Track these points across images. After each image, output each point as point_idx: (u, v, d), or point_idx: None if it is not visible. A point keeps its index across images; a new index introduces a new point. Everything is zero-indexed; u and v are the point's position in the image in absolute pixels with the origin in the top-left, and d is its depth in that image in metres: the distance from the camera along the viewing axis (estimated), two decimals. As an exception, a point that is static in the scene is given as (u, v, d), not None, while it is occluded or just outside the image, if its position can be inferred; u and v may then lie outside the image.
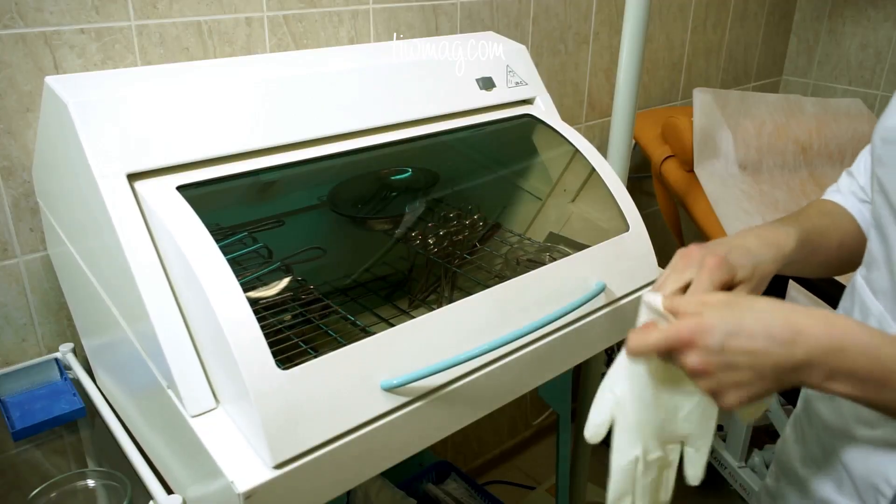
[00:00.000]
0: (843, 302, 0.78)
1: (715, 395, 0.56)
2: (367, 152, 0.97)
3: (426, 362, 0.77)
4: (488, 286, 0.87)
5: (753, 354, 0.54)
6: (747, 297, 0.60)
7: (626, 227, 1.01)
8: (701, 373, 0.55)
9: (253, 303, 0.70)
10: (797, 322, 0.54)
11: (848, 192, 0.81)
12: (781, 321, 0.54)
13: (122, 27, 0.99)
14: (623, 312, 0.99)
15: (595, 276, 0.95)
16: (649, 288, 0.68)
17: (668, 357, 0.58)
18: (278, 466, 0.67)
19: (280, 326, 0.88)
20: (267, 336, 0.69)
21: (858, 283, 0.74)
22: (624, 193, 1.04)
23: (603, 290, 0.93)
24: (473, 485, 1.49)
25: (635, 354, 0.59)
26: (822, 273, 0.81)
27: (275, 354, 0.69)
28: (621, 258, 0.99)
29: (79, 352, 1.05)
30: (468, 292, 1.11)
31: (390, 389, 0.75)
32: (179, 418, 0.73)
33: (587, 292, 0.91)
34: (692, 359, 0.55)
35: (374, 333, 0.76)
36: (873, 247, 0.71)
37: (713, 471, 1.71)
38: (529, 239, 1.16)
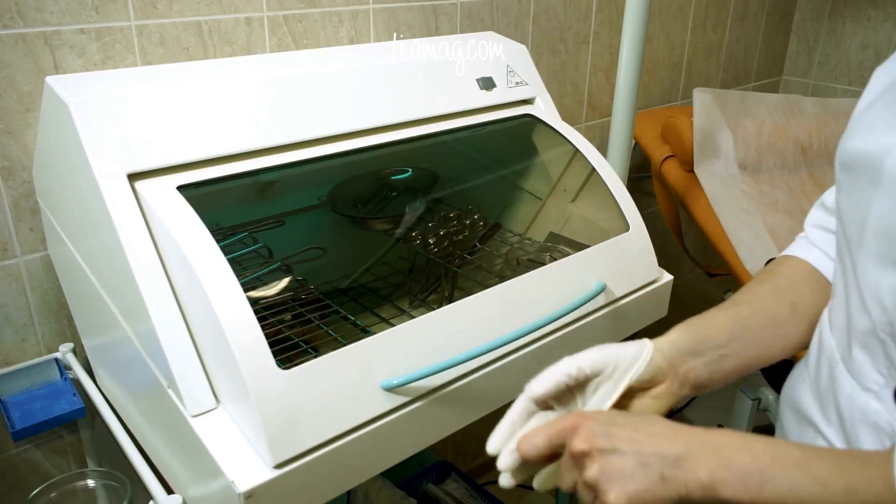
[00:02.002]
0: (812, 339, 0.72)
1: (598, 490, 0.54)
2: (367, 152, 0.97)
3: (426, 362, 0.77)
4: (488, 286, 0.87)
5: (636, 441, 0.54)
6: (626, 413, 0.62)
7: (627, 227, 1.01)
8: (586, 453, 0.54)
9: (253, 303, 0.70)
10: (676, 426, 0.55)
11: (816, 232, 0.76)
12: (662, 422, 0.56)
13: (122, 27, 0.99)
14: (623, 312, 0.99)
15: (595, 276, 0.95)
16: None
17: (553, 461, 0.59)
18: (278, 466, 0.67)
19: (280, 326, 0.88)
20: (267, 336, 0.69)
21: (822, 317, 0.70)
22: (624, 193, 1.05)
23: (603, 290, 0.93)
24: (473, 485, 1.49)
25: (525, 456, 0.59)
26: (784, 352, 0.73)
27: (275, 354, 0.69)
28: (621, 258, 0.99)
29: (79, 352, 1.05)
30: (468, 292, 1.11)
31: (390, 389, 0.75)
32: (180, 418, 0.73)
33: (587, 292, 0.91)
34: (577, 441, 0.55)
35: (374, 333, 0.76)
36: (835, 278, 0.67)
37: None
38: (529, 239, 1.16)
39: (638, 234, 1.01)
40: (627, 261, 1.00)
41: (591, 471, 0.54)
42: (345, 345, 0.73)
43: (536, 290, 0.90)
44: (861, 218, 0.59)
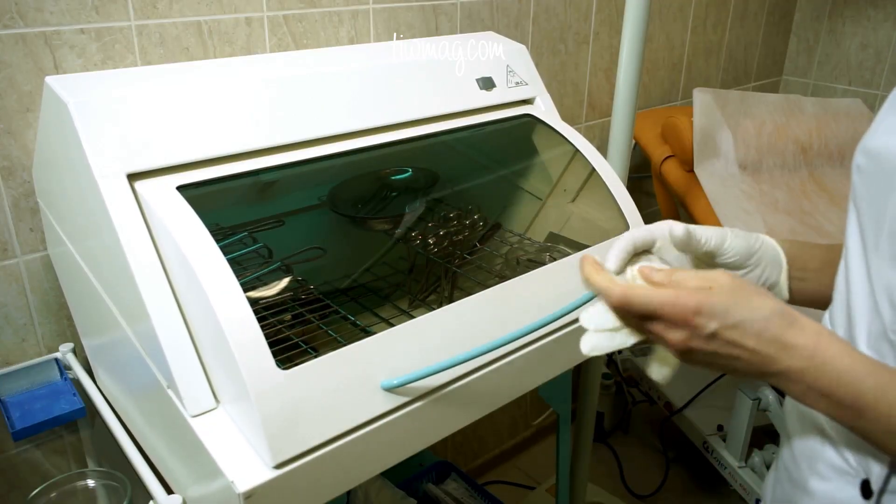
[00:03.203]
0: None
1: (682, 357, 0.56)
2: (366, 152, 0.97)
3: (426, 362, 0.77)
4: (488, 286, 0.87)
5: (738, 351, 0.55)
6: (754, 286, 0.58)
7: (626, 227, 1.01)
8: (683, 353, 0.56)
9: (253, 303, 0.70)
10: (788, 336, 0.54)
11: None
12: (776, 328, 0.54)
13: (122, 27, 0.99)
14: (623, 312, 0.99)
15: (595, 276, 0.95)
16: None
17: (638, 319, 0.58)
18: (278, 466, 0.67)
19: (280, 326, 0.88)
20: (267, 336, 0.69)
21: (823, 318, 0.68)
22: (623, 193, 1.04)
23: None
24: (473, 485, 1.49)
25: (612, 299, 0.59)
26: None
27: (275, 355, 0.69)
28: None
29: (79, 352, 1.05)
30: (468, 292, 1.11)
31: (390, 389, 0.75)
32: (179, 418, 0.73)
33: (587, 293, 0.91)
34: (679, 336, 0.55)
35: (374, 333, 0.76)
36: (837, 280, 0.66)
37: (713, 471, 1.71)
38: (529, 239, 1.16)
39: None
40: (627, 261, 1.00)
41: (683, 358, 0.56)
42: (344, 345, 0.73)
43: (536, 290, 0.90)
44: (878, 218, 0.59)
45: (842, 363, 0.53)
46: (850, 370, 0.53)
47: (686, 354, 0.56)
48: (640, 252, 0.67)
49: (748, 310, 0.55)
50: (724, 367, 0.56)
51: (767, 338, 0.54)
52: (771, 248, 0.73)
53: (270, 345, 0.69)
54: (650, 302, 0.56)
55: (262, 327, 0.69)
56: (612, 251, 0.64)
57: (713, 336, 0.54)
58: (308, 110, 0.91)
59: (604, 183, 1.05)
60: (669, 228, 0.66)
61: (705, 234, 0.68)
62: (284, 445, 0.68)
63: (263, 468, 0.67)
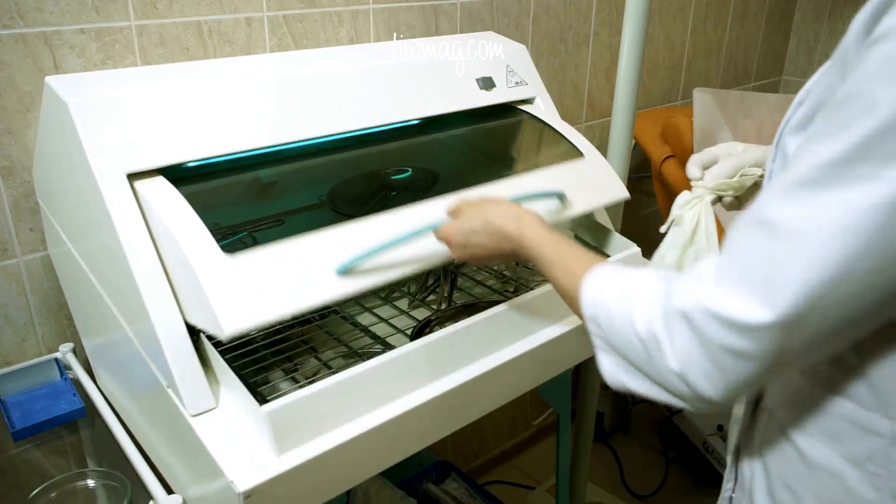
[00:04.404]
0: None
1: (460, 254, 0.81)
2: (366, 146, 0.97)
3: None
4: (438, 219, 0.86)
5: (484, 247, 0.77)
6: (490, 200, 0.81)
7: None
8: (457, 255, 0.81)
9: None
10: (509, 228, 0.75)
11: None
12: (501, 224, 0.76)
13: (122, 27, 0.99)
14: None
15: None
16: None
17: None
18: (278, 466, 0.67)
19: (280, 327, 0.88)
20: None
21: None
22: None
23: (562, 197, 0.94)
24: (473, 485, 1.49)
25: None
26: None
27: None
28: (582, 179, 1.02)
29: (79, 352, 1.05)
30: (468, 292, 1.11)
31: (345, 272, 0.77)
32: (180, 418, 0.73)
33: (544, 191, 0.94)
34: (451, 250, 0.81)
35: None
36: None
37: (713, 471, 1.71)
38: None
39: (594, 160, 1.06)
40: (588, 182, 1.02)
41: (459, 255, 0.81)
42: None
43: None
44: None
45: (536, 241, 0.72)
46: (541, 246, 0.72)
47: (460, 249, 0.79)
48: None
49: (481, 218, 0.77)
50: (482, 256, 0.78)
51: (495, 231, 0.76)
52: None
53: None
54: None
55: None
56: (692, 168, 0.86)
57: (465, 245, 0.78)
58: (308, 110, 0.91)
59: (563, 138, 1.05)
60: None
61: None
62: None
63: (263, 468, 0.67)
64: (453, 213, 0.82)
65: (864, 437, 0.57)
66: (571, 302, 0.66)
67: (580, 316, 0.64)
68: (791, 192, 0.48)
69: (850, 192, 0.45)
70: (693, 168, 0.85)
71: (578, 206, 0.97)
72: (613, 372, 0.61)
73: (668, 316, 0.54)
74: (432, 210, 0.87)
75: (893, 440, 0.55)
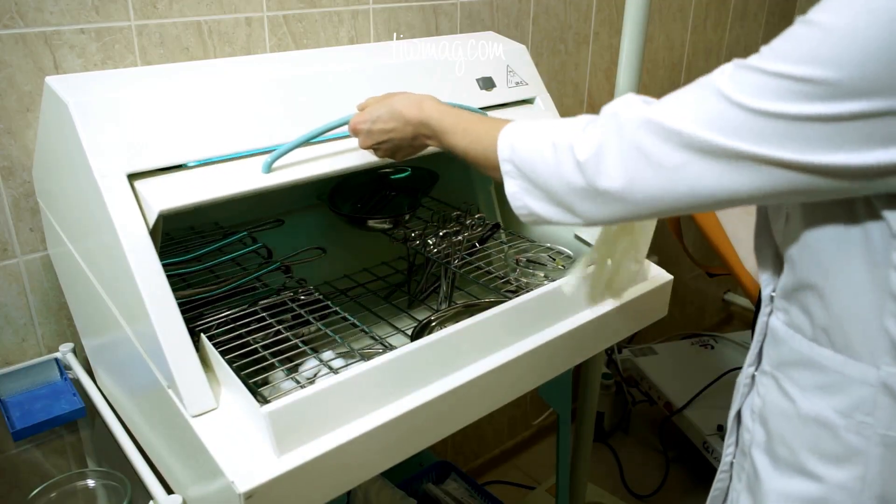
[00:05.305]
0: None
1: (374, 151, 0.87)
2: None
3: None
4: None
5: (387, 132, 0.83)
6: (395, 92, 0.86)
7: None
8: (364, 143, 0.86)
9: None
10: (412, 114, 0.80)
11: None
12: (404, 112, 0.81)
13: (122, 27, 0.99)
14: (623, 313, 0.99)
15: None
16: None
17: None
18: (279, 467, 0.67)
19: (279, 327, 0.88)
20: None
21: None
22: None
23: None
24: (473, 485, 1.49)
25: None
26: None
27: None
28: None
29: (79, 352, 1.05)
30: (468, 292, 1.12)
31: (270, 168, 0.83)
32: (180, 418, 0.73)
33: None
34: (359, 140, 0.87)
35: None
36: None
37: (713, 471, 1.71)
38: (529, 239, 1.16)
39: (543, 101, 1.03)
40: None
41: (366, 144, 0.87)
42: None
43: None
44: None
45: (435, 113, 0.79)
46: (441, 117, 0.78)
47: (365, 136, 0.85)
48: None
49: (385, 106, 0.83)
50: (389, 146, 0.84)
51: (397, 114, 0.81)
52: None
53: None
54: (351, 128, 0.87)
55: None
56: None
57: (370, 132, 0.84)
58: (308, 110, 0.91)
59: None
60: None
61: None
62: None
63: (264, 468, 0.67)
64: (362, 107, 0.87)
65: (854, 388, 0.60)
66: (478, 157, 0.73)
67: (489, 168, 0.71)
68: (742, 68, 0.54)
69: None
70: None
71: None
72: (518, 195, 0.69)
73: (591, 121, 0.62)
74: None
75: (881, 388, 0.59)
